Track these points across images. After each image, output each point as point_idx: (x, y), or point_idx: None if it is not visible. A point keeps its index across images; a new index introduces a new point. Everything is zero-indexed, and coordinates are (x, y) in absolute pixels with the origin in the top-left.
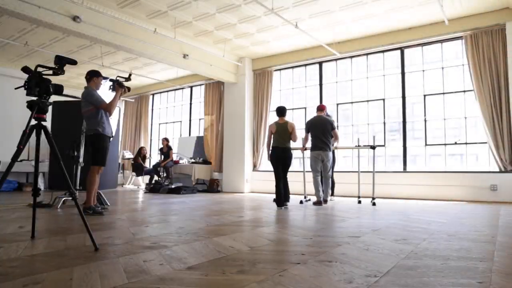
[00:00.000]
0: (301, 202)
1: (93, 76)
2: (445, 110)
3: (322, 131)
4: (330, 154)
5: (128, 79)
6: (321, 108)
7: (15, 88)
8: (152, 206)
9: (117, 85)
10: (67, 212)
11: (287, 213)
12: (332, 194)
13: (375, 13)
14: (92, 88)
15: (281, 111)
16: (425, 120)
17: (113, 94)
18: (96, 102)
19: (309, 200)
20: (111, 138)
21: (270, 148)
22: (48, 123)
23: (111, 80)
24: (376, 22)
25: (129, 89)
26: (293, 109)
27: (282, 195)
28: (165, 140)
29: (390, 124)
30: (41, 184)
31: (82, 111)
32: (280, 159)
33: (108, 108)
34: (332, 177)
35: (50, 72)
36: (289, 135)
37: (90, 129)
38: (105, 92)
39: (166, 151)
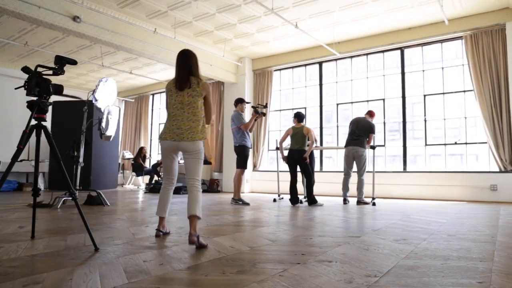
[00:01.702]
0: (300, 202)
1: (239, 103)
2: (445, 110)
3: (358, 128)
4: (364, 152)
5: (265, 106)
6: (370, 113)
7: (15, 88)
8: (152, 206)
9: (253, 111)
10: (67, 212)
11: (287, 213)
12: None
13: (375, 13)
14: (238, 112)
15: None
16: (425, 120)
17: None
18: (238, 123)
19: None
20: (250, 148)
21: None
22: (48, 123)
23: (252, 107)
24: (376, 22)
25: (264, 114)
26: (293, 109)
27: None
28: None
29: (390, 124)
30: (41, 184)
31: (231, 128)
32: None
33: (244, 128)
34: (313, 177)
35: (50, 72)
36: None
37: (237, 141)
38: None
39: None
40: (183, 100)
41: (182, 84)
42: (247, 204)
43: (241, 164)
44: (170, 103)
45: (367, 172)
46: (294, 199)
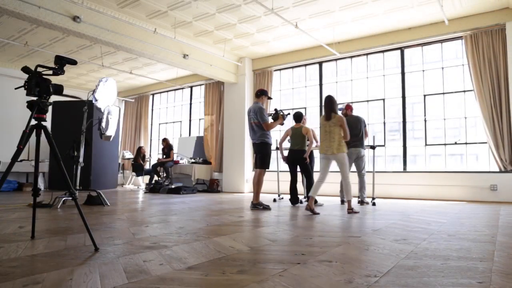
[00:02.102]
0: (300, 202)
1: (263, 95)
2: (445, 110)
3: (356, 128)
4: (364, 152)
5: (287, 115)
6: (349, 107)
7: (15, 88)
8: (152, 206)
9: (281, 116)
10: (67, 212)
11: (287, 213)
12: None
13: (375, 13)
14: (260, 104)
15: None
16: (425, 120)
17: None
18: (261, 119)
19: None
20: (271, 145)
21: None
22: (48, 123)
23: (275, 109)
24: (376, 22)
25: (282, 124)
26: (293, 109)
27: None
28: (164, 141)
29: (390, 124)
30: (41, 184)
31: (250, 121)
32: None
33: (266, 128)
34: (312, 177)
35: (50, 72)
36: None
37: (257, 138)
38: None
39: (167, 151)
40: (327, 129)
41: (327, 118)
42: (268, 208)
43: (263, 163)
44: (322, 130)
45: (368, 172)
46: (294, 199)
